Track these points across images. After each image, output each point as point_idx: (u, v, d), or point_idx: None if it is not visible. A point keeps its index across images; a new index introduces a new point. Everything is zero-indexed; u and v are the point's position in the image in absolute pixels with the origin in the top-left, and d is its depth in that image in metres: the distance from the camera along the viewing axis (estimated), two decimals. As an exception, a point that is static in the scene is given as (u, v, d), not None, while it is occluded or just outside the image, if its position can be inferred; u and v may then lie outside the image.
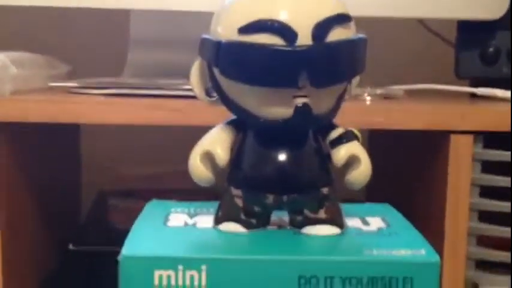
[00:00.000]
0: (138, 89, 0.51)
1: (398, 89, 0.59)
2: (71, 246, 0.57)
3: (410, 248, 0.28)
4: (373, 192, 0.66)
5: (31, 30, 0.78)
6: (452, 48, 0.64)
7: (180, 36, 0.65)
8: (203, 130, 0.32)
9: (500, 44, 0.60)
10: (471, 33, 0.61)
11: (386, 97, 0.56)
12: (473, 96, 0.60)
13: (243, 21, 0.28)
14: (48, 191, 0.58)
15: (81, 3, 0.56)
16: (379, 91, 0.56)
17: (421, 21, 0.68)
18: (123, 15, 0.65)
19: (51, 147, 0.61)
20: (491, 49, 0.60)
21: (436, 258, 0.27)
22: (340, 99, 0.30)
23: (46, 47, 0.64)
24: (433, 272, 0.27)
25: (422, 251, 0.28)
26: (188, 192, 0.62)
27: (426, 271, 0.27)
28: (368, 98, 0.54)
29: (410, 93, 0.60)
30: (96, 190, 0.70)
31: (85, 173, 0.75)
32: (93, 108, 0.47)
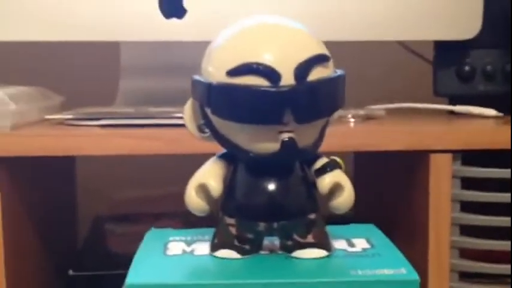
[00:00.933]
0: (131, 119, 0.53)
1: (380, 108, 0.61)
2: (71, 272, 0.58)
3: (392, 268, 0.30)
4: (360, 210, 0.69)
5: (23, 62, 0.80)
6: (431, 67, 0.66)
7: (169, 64, 0.67)
8: (195, 157, 0.34)
9: (475, 62, 0.62)
10: (448, 52, 0.64)
11: (369, 117, 0.59)
12: (452, 113, 0.63)
13: (231, 64, 0.30)
14: (46, 219, 0.60)
15: (71, 37, 0.58)
16: (361, 112, 0.58)
17: (400, 42, 0.70)
18: (114, 44, 0.67)
19: (48, 176, 0.62)
20: (467, 67, 0.63)
21: (415, 276, 0.30)
22: (323, 131, 0.33)
23: (39, 78, 0.66)
24: (413, 289, 0.30)
25: (403, 270, 0.30)
26: (182, 214, 0.64)
27: (407, 288, 0.29)
28: (351, 119, 0.57)
29: (391, 112, 0.62)
30: (92, 216, 0.72)
31: (81, 199, 0.77)
32: (88, 140, 0.49)
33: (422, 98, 0.64)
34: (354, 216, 0.60)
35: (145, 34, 0.59)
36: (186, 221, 0.62)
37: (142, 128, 0.51)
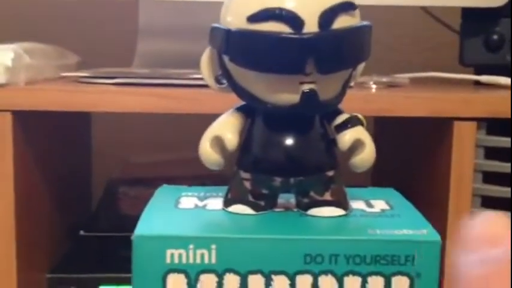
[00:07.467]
0: (147, 78, 0.52)
1: (403, 77, 0.60)
2: (82, 233, 0.58)
3: (412, 228, 0.29)
4: (379, 178, 0.67)
5: (41, 21, 0.79)
6: (457, 36, 0.64)
7: (188, 26, 0.66)
8: (211, 118, 0.33)
9: (503, 31, 0.60)
10: (475, 21, 0.61)
11: (392, 85, 0.57)
12: (477, 83, 0.61)
13: (251, 10, 0.28)
14: (60, 178, 0.60)
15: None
16: (384, 79, 0.57)
17: (426, 9, 0.68)
18: (132, 5, 0.66)
19: (63, 134, 0.62)
20: (495, 36, 0.61)
21: (437, 237, 0.28)
22: (345, 85, 0.31)
23: (56, 38, 0.65)
24: (434, 251, 0.28)
25: (424, 231, 0.29)
26: (197, 178, 0.63)
27: (427, 249, 0.28)
28: (373, 86, 0.55)
29: (415, 81, 0.61)
30: (106, 178, 0.72)
31: (96, 161, 0.76)
32: (103, 97, 0.48)
33: (448, 67, 0.62)
34: (373, 183, 0.59)
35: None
36: (201, 184, 0.61)
37: (158, 87, 0.50)
